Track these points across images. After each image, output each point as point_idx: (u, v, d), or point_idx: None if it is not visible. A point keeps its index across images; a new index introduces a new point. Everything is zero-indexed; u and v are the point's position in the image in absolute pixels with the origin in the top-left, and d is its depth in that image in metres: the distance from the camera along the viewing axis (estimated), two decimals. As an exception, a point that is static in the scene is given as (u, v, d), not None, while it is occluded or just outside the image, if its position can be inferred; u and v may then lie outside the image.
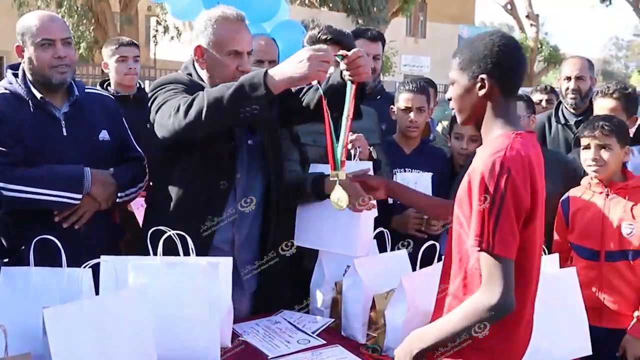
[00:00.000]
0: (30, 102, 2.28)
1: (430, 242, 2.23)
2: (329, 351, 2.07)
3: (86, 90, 2.48)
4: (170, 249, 1.94)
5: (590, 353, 2.21)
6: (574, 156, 2.98)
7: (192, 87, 2.17)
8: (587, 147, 2.66)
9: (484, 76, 1.64)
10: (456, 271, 1.70)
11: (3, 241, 2.28)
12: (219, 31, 2.19)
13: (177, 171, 2.26)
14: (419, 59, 20.33)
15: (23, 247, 2.08)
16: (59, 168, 2.25)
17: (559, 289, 2.16)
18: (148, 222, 2.34)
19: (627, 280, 2.60)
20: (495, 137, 1.65)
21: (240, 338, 2.14)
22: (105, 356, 1.68)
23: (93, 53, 16.99)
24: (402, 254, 2.38)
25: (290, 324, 2.30)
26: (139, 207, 2.89)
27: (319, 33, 2.68)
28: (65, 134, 2.32)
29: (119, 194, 2.37)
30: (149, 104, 2.21)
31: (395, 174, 2.89)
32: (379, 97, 3.28)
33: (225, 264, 2.01)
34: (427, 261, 2.20)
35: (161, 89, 2.19)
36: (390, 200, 2.87)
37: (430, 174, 2.91)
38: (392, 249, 2.39)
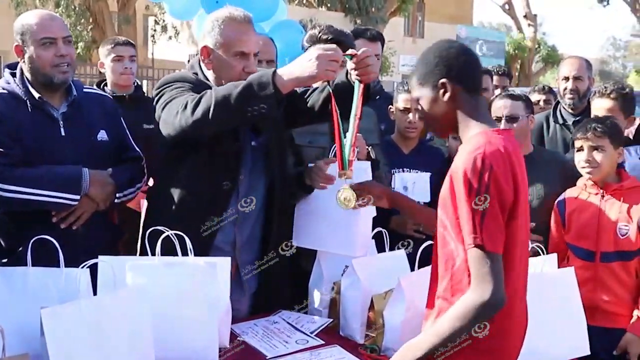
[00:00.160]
0: (28, 102, 2.28)
1: (429, 242, 2.23)
2: (327, 351, 2.07)
3: (84, 90, 2.47)
4: (171, 249, 1.93)
5: (589, 353, 2.21)
6: (572, 156, 2.99)
7: (198, 86, 2.17)
8: (581, 149, 2.67)
9: (443, 80, 1.69)
10: (443, 273, 1.70)
11: (1, 242, 2.28)
12: (226, 32, 2.19)
13: (181, 170, 2.25)
14: (417, 59, 20.38)
15: (21, 248, 2.08)
16: (57, 169, 2.24)
17: (557, 288, 2.17)
18: (149, 221, 2.33)
19: (622, 280, 2.60)
20: (472, 136, 1.68)
21: (238, 338, 2.14)
22: (103, 356, 1.67)
23: (91, 53, 17.00)
24: (401, 254, 2.38)
25: (289, 324, 2.30)
26: None
27: (319, 33, 2.68)
28: (63, 134, 2.32)
29: (117, 195, 2.37)
30: (154, 102, 2.21)
31: (393, 174, 2.89)
32: (377, 97, 3.28)
33: (223, 263, 2.00)
34: (425, 261, 2.19)
35: (168, 87, 2.19)
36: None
37: (428, 174, 2.91)
38: (391, 249, 2.39)
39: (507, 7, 27.23)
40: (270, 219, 2.36)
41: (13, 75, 2.32)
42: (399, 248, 2.43)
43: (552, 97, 4.19)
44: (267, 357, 2.02)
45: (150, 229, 1.97)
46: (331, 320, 2.31)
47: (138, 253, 2.36)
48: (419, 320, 1.91)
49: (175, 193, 2.26)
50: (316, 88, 2.28)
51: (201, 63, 2.28)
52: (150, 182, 2.62)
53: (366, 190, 2.15)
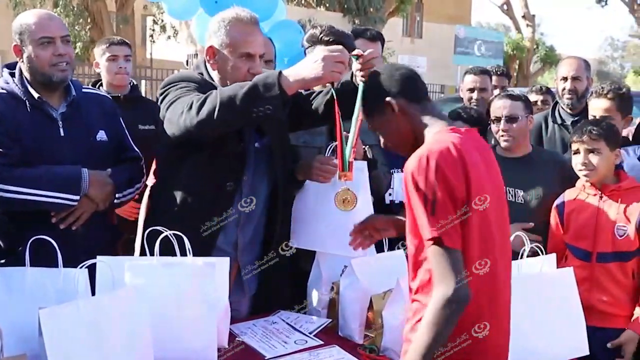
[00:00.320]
0: (27, 102, 2.27)
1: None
2: (326, 352, 2.07)
3: (83, 90, 2.47)
4: (171, 249, 1.93)
5: (588, 353, 2.21)
6: (570, 156, 2.99)
7: (204, 86, 2.16)
8: (577, 151, 2.68)
9: (387, 99, 1.76)
10: (412, 275, 1.72)
11: (0, 242, 2.27)
12: (232, 33, 2.18)
13: (185, 170, 2.24)
14: (415, 59, 20.30)
15: (20, 248, 2.07)
16: (56, 169, 2.24)
17: (556, 289, 2.17)
18: (150, 221, 2.31)
19: (618, 281, 2.60)
20: (427, 139, 1.71)
21: (237, 339, 2.14)
22: (101, 357, 1.67)
23: (89, 53, 16.95)
24: (400, 254, 2.37)
25: (288, 324, 2.30)
26: None
27: (320, 33, 2.67)
28: (62, 134, 2.31)
29: (116, 195, 2.36)
30: (159, 101, 2.20)
31: (393, 174, 2.89)
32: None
33: (222, 263, 2.00)
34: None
35: (173, 86, 2.18)
36: (388, 201, 2.87)
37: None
38: (390, 250, 2.39)
39: (505, 7, 27.25)
40: (274, 220, 2.35)
41: (12, 75, 2.32)
42: (398, 248, 2.42)
43: (550, 97, 4.19)
44: (266, 358, 2.02)
45: (150, 229, 1.96)
46: (330, 320, 2.31)
47: (138, 253, 2.36)
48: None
49: (178, 193, 2.25)
50: (321, 91, 2.27)
51: (206, 63, 2.27)
52: (149, 182, 2.61)
53: (370, 226, 2.13)
